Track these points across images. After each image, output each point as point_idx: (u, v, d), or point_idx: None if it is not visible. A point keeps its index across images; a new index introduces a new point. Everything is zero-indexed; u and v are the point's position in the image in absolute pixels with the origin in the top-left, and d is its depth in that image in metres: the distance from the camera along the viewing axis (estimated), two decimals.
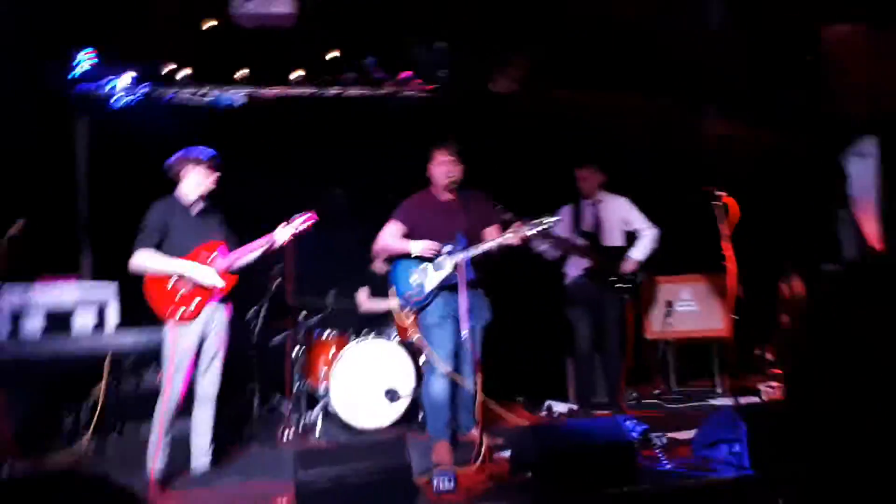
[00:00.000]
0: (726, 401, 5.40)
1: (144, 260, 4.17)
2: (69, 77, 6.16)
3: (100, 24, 5.90)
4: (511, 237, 4.33)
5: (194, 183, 4.38)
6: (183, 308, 4.19)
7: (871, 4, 4.44)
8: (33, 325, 4.86)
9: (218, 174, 4.44)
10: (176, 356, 4.16)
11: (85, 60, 6.14)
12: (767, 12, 4.66)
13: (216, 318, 4.37)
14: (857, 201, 5.67)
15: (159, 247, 4.23)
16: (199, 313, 4.24)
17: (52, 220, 5.93)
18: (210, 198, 4.48)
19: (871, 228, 5.54)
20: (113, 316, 5.13)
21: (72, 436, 5.01)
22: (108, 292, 5.13)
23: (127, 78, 6.46)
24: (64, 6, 5.49)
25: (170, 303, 4.18)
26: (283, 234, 4.43)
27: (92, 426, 4.91)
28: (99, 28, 5.96)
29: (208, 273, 4.25)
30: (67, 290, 5.04)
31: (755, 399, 5.40)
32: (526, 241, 4.42)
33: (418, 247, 4.48)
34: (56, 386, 4.95)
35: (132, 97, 6.54)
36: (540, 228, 4.36)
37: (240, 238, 4.53)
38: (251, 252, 4.40)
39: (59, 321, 4.93)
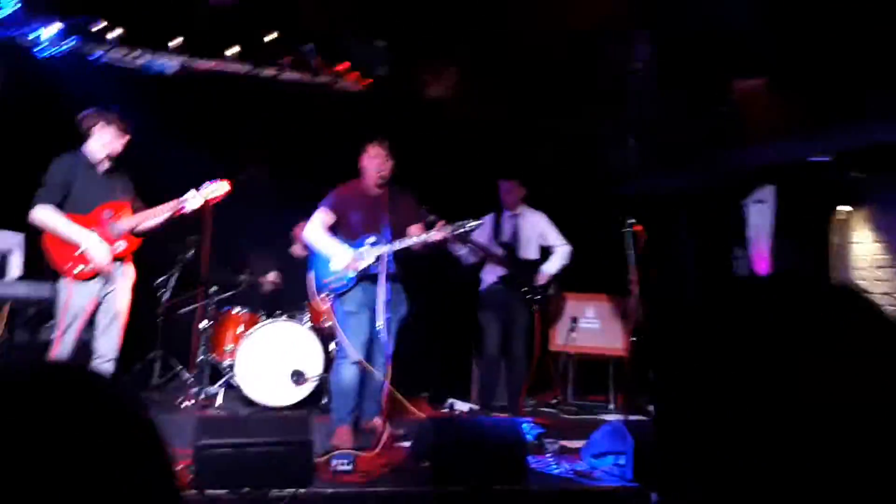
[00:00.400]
0: (618, 416, 5.68)
1: (44, 216, 4.08)
2: None
3: None
4: (434, 235, 4.47)
5: (103, 141, 4.29)
6: (82, 266, 4.09)
7: (772, 65, 4.83)
8: None
9: (128, 137, 4.36)
10: (68, 314, 4.06)
11: (9, 4, 5.88)
12: (686, 63, 5.00)
13: (117, 279, 4.27)
14: (752, 243, 6.12)
15: (61, 203, 4.14)
16: (96, 273, 4.15)
17: None
18: (120, 160, 4.40)
19: (762, 268, 5.99)
20: (16, 266, 4.97)
21: None
22: (12, 242, 4.95)
23: (54, 28, 6.22)
24: None
25: (68, 258, 4.08)
26: (193, 200, 4.40)
27: None
28: None
29: (101, 250, 4.14)
30: None
31: (644, 417, 5.69)
32: (447, 240, 4.61)
33: (338, 257, 4.51)
34: None
35: (57, 49, 6.30)
36: (462, 230, 4.55)
37: (150, 204, 4.45)
38: (157, 216, 4.35)
39: None
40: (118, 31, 6.32)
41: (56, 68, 6.26)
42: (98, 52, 6.38)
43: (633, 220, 5.28)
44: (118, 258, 4.27)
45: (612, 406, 6.24)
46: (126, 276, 4.35)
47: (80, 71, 6.29)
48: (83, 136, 4.31)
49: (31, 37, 6.20)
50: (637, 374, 6.13)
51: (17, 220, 5.42)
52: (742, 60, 4.73)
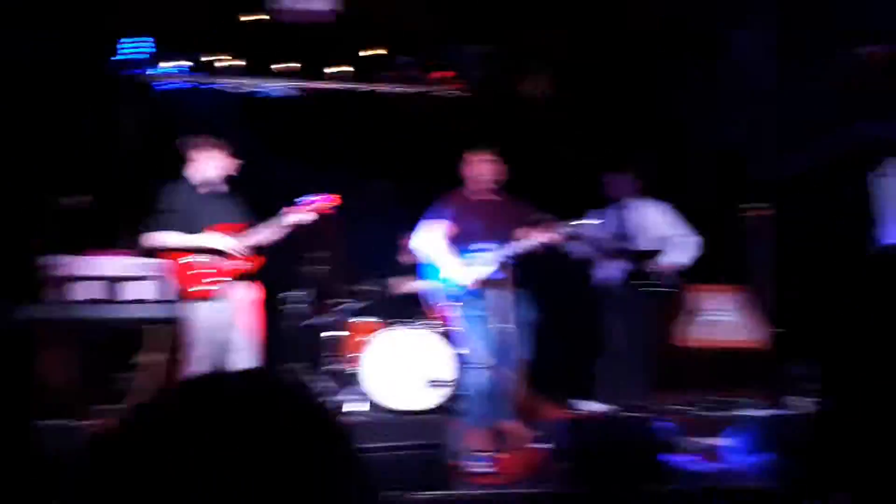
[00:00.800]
0: (758, 412, 5.39)
1: (161, 239, 4.23)
2: (117, 60, 6.26)
3: (147, 12, 6.03)
4: (548, 235, 4.48)
5: (205, 165, 4.42)
6: (206, 286, 4.22)
7: None
8: (89, 292, 4.85)
9: (232, 159, 4.48)
10: (196, 334, 4.15)
11: (136, 47, 6.26)
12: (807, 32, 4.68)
13: (240, 298, 4.38)
14: (878, 219, 5.64)
15: (172, 227, 4.27)
16: (216, 292, 4.25)
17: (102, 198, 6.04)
18: (233, 183, 4.53)
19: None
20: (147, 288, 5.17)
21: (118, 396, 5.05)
22: (159, 268, 5.18)
23: (171, 65, 6.58)
24: None
25: (190, 280, 4.21)
26: (304, 215, 4.47)
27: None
28: (146, 16, 6.07)
29: (227, 240, 4.26)
30: (120, 263, 5.07)
31: (785, 412, 5.39)
32: (563, 239, 4.59)
33: (454, 271, 4.50)
34: (106, 349, 5.06)
35: (176, 84, 6.66)
36: (576, 228, 4.60)
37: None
38: (271, 232, 4.44)
39: (111, 290, 4.83)
40: (226, 62, 6.60)
41: (174, 99, 6.63)
42: (210, 83, 6.69)
43: (759, 205, 5.00)
44: (238, 276, 4.36)
45: (751, 401, 5.92)
46: (251, 293, 4.46)
47: (196, 102, 6.64)
48: (186, 162, 4.46)
49: (152, 73, 6.60)
50: (775, 367, 5.81)
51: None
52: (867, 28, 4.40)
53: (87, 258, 4.96)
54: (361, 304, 5.85)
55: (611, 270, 5.55)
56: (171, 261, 4.24)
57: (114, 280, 4.52)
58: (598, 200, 5.76)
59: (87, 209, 4.40)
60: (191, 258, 4.25)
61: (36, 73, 5.51)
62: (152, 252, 4.24)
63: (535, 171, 6.70)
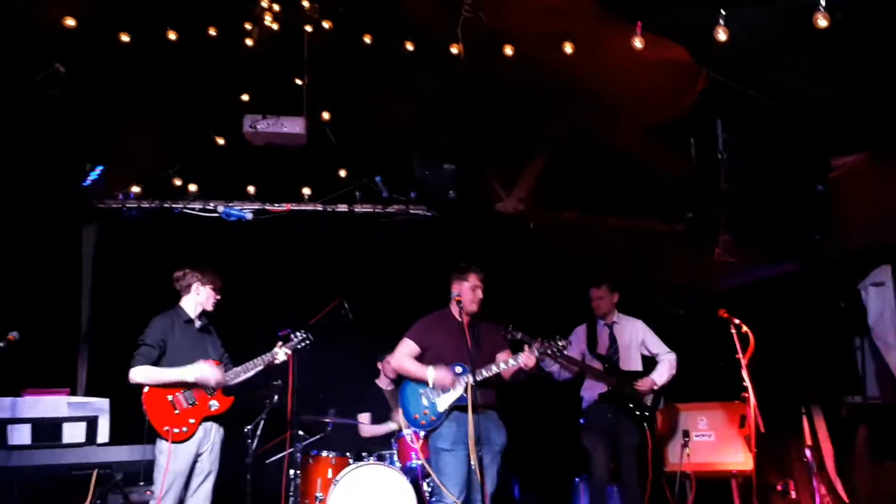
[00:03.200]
0: None
1: (145, 374, 4.16)
2: (82, 185, 6.20)
3: (114, 136, 6.03)
4: (522, 359, 4.40)
5: (200, 298, 4.48)
6: (179, 428, 4.15)
7: (875, 135, 4.47)
8: (21, 436, 4.70)
9: (219, 297, 4.55)
10: (168, 476, 4.06)
11: (96, 173, 6.21)
12: (775, 145, 4.69)
13: (211, 438, 4.33)
14: (875, 332, 5.51)
15: (157, 362, 4.24)
16: (193, 433, 4.21)
17: (52, 330, 5.85)
18: (207, 315, 4.55)
19: (892, 360, 5.34)
20: (103, 431, 4.97)
21: None
22: (98, 407, 5.01)
23: (137, 189, 6.53)
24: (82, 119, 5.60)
25: (166, 420, 4.13)
26: (280, 354, 4.57)
27: None
28: (113, 140, 6.07)
29: (210, 371, 4.26)
30: (56, 403, 4.92)
31: None
32: (537, 363, 4.48)
33: (434, 378, 4.41)
34: (42, 498, 4.77)
35: (141, 208, 6.58)
36: (551, 351, 4.51)
37: (236, 352, 4.55)
38: (247, 372, 4.46)
39: (48, 433, 4.77)
40: (194, 186, 6.57)
41: (142, 225, 6.53)
42: (178, 207, 6.62)
43: (739, 321, 4.84)
44: (211, 417, 4.31)
45: None
46: (218, 434, 4.39)
47: (163, 226, 6.55)
48: (180, 293, 4.48)
49: (117, 198, 6.53)
50: (764, 489, 5.49)
51: (106, 383, 5.54)
52: (839, 134, 4.40)
53: (22, 399, 4.77)
54: (319, 437, 5.62)
55: (595, 391, 5.31)
56: (157, 394, 4.17)
57: (49, 422, 4.36)
58: (581, 317, 5.61)
59: (15, 345, 4.16)
60: (178, 395, 4.20)
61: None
62: (138, 386, 4.17)
63: (515, 290, 6.60)
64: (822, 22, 3.17)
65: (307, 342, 4.66)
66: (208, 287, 4.47)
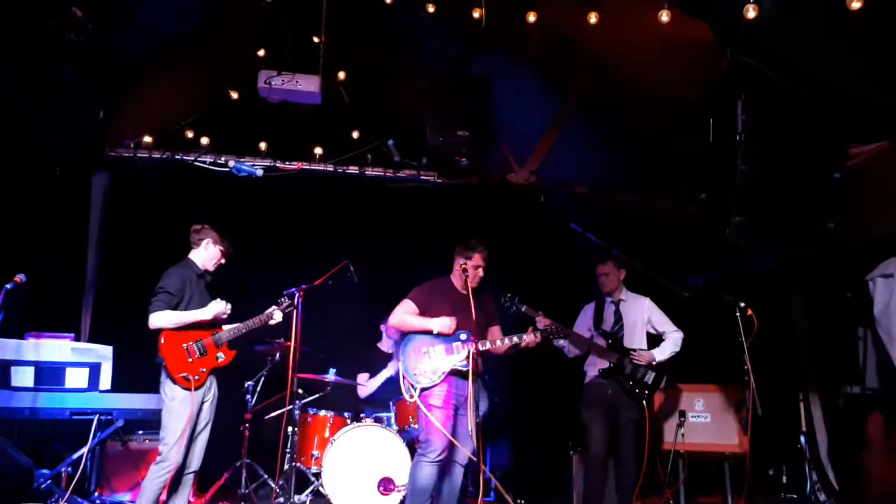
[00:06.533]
0: None
1: (167, 318, 4.25)
2: (91, 132, 6.16)
3: (129, 84, 5.99)
4: (525, 339, 4.53)
5: (210, 255, 4.56)
6: (193, 375, 4.25)
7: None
8: (24, 378, 4.77)
9: (223, 262, 4.64)
10: (181, 421, 4.18)
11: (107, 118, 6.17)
12: (795, 130, 4.62)
13: (213, 390, 4.44)
14: (880, 323, 5.49)
15: (175, 309, 4.33)
16: (204, 381, 4.32)
17: (59, 275, 5.87)
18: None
19: (895, 353, 5.33)
20: (106, 378, 5.02)
21: (46, 495, 4.76)
22: (102, 354, 5.04)
23: (149, 139, 6.49)
24: (96, 63, 5.55)
25: (182, 367, 4.24)
26: (277, 314, 4.63)
27: (70, 487, 4.72)
28: (127, 88, 6.03)
29: (223, 307, 4.39)
30: (60, 347, 4.97)
31: None
32: (537, 344, 4.58)
33: (439, 324, 4.50)
34: (42, 440, 4.85)
35: (152, 158, 6.55)
36: (553, 335, 4.64)
37: (239, 308, 4.58)
38: (248, 328, 4.54)
39: (51, 377, 4.85)
40: (206, 139, 6.53)
41: (151, 175, 6.51)
42: (190, 158, 6.59)
43: (745, 304, 4.83)
44: (216, 369, 4.41)
45: None
46: (216, 386, 4.47)
47: (174, 177, 6.53)
48: (191, 245, 4.56)
49: (130, 147, 6.50)
50: (756, 472, 5.52)
51: (110, 331, 5.57)
52: (860, 122, 4.33)
53: (27, 341, 4.80)
54: (319, 396, 5.67)
55: (597, 367, 5.31)
56: (173, 342, 4.26)
57: (52, 366, 4.39)
58: (591, 293, 5.60)
59: (21, 288, 4.18)
60: (192, 345, 4.30)
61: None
62: (156, 332, 4.25)
63: (523, 262, 6.59)
64: (855, 3, 3.10)
65: (293, 306, 4.74)
66: (219, 248, 4.57)
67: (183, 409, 4.17)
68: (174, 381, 4.19)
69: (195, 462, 4.34)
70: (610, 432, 5.22)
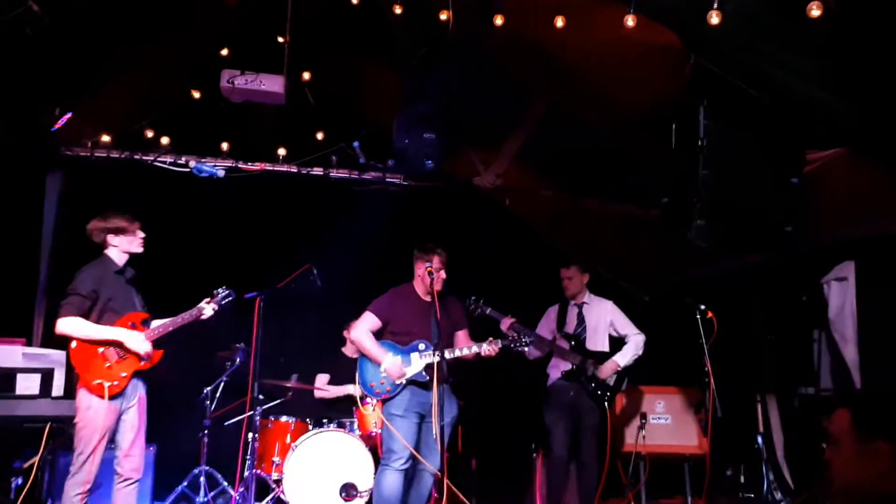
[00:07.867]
0: None
1: (72, 326, 3.98)
2: (49, 130, 5.99)
3: (87, 82, 5.83)
4: (486, 348, 4.51)
5: (121, 246, 4.26)
6: (111, 382, 3.98)
7: (856, 131, 4.52)
8: None
9: (143, 236, 4.32)
10: (98, 433, 3.90)
11: (63, 118, 6.00)
12: (756, 136, 4.71)
13: (137, 394, 4.17)
14: (835, 326, 5.63)
15: (88, 313, 4.06)
16: (125, 387, 4.05)
17: (10, 278, 5.69)
18: (133, 264, 4.35)
19: (849, 353, 5.47)
20: (59, 384, 4.83)
21: None
22: (55, 360, 4.85)
23: (107, 138, 6.34)
24: (55, 62, 5.40)
25: (94, 375, 3.97)
26: (208, 309, 4.35)
27: (20, 499, 4.53)
28: (85, 86, 5.87)
29: (139, 339, 4.08)
30: (11, 353, 4.77)
31: None
32: (498, 353, 4.56)
33: (387, 363, 4.48)
34: None
35: (110, 158, 6.40)
36: (514, 345, 4.56)
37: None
38: (175, 326, 4.25)
39: (1, 383, 4.62)
40: (167, 139, 6.41)
41: (109, 176, 6.35)
42: (149, 159, 6.45)
43: (705, 307, 4.91)
44: (140, 371, 4.15)
45: None
46: (144, 389, 4.23)
47: (133, 178, 6.37)
48: (101, 246, 4.27)
49: (87, 146, 6.34)
50: (715, 473, 5.61)
51: (60, 338, 5.41)
52: (818, 128, 4.44)
53: None
54: (280, 402, 5.60)
55: (560, 369, 5.35)
56: (87, 346, 4.00)
57: (2, 372, 4.21)
58: (555, 296, 5.64)
59: None
60: (109, 349, 4.04)
61: None
62: (63, 338, 3.98)
63: (488, 265, 6.60)
64: (815, 11, 3.17)
65: (230, 298, 4.46)
66: (124, 233, 4.25)
67: (98, 420, 3.91)
68: (87, 390, 3.93)
69: (134, 473, 4.10)
70: (573, 434, 5.26)
